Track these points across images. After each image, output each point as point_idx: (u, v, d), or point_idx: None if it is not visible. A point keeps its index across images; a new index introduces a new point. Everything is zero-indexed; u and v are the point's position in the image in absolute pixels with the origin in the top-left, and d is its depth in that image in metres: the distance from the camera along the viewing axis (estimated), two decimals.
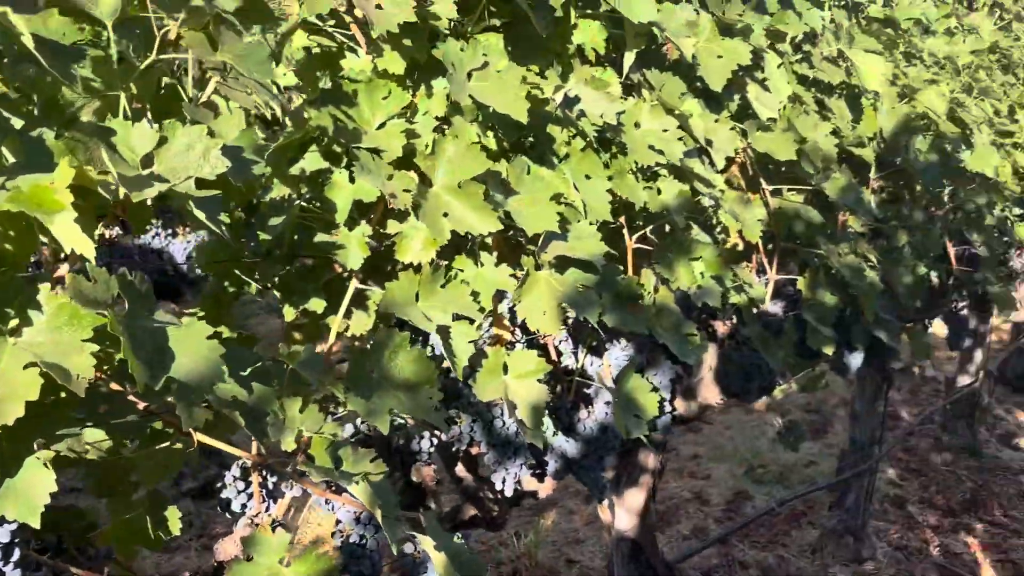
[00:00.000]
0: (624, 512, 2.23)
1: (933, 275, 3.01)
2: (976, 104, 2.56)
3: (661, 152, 1.33)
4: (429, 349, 1.22)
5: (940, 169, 2.32)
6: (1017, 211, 3.53)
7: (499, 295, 1.31)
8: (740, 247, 1.96)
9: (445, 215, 1.07)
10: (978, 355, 4.13)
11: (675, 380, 1.73)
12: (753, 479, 3.76)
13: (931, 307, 2.87)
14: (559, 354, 1.50)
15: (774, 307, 1.97)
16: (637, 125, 1.35)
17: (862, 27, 2.06)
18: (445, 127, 1.15)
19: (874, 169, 2.20)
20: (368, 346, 1.05)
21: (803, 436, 2.84)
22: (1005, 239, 3.32)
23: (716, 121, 1.56)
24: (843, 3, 2.07)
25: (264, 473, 1.10)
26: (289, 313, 1.22)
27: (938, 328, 3.72)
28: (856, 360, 2.20)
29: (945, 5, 2.63)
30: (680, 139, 1.37)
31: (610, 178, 1.32)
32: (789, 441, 2.74)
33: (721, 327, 1.94)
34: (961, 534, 3.37)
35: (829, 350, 1.88)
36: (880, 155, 2.19)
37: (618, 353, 1.52)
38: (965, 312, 3.04)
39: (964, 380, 4.17)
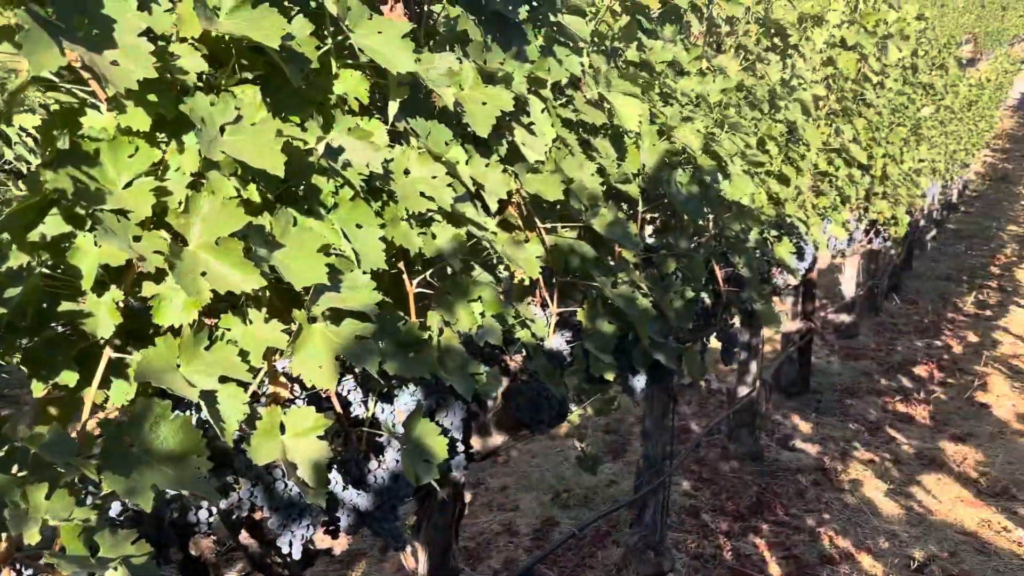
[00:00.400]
0: (426, 556, 2.21)
1: (705, 297, 3.24)
2: (728, 138, 2.79)
3: (432, 198, 1.35)
4: (198, 416, 1.16)
5: (701, 199, 2.51)
6: (775, 233, 3.88)
7: (276, 351, 1.27)
8: (527, 282, 2.03)
9: (204, 274, 1.03)
10: (753, 366, 4.47)
11: (469, 419, 1.75)
12: (560, 505, 3.86)
13: (705, 326, 3.08)
14: (348, 404, 1.48)
15: (561, 338, 2.04)
16: (407, 172, 1.37)
17: (620, 71, 2.19)
18: (203, 182, 1.11)
19: (642, 202, 2.35)
20: (125, 418, 0.99)
21: (601, 459, 2.95)
22: (767, 259, 3.64)
23: (487, 165, 1.60)
24: (602, 49, 2.20)
25: (19, 568, 1.01)
26: (38, 388, 1.12)
27: (717, 344, 4.00)
28: (640, 382, 2.32)
29: (696, 48, 2.85)
30: (450, 185, 1.40)
31: (383, 226, 1.32)
32: (588, 466, 2.83)
33: (512, 362, 1.99)
34: (750, 536, 3.61)
35: (610, 376, 1.97)
36: (646, 189, 2.34)
37: (407, 399, 1.52)
38: (735, 329, 3.28)
39: (743, 391, 4.50)
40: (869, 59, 4.74)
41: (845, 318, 7.19)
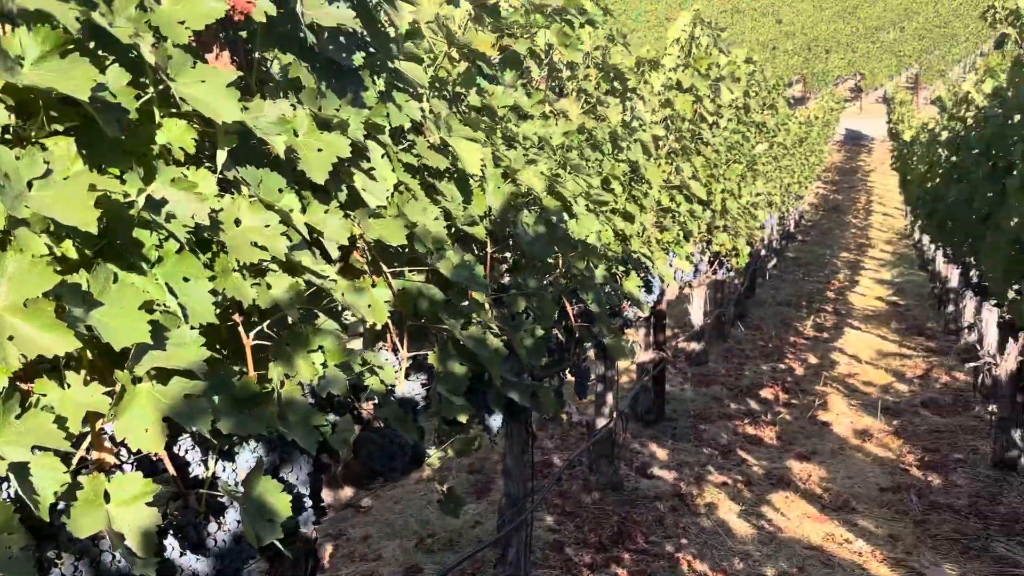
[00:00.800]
0: None
1: (558, 333, 3.31)
2: (572, 179, 2.87)
3: (265, 248, 1.33)
4: (8, 490, 1.08)
5: (547, 239, 2.57)
6: (623, 268, 4.02)
7: (100, 415, 1.21)
8: (379, 327, 2.01)
9: (11, 338, 0.97)
10: (610, 398, 4.58)
11: (317, 472, 1.70)
12: (424, 550, 3.81)
13: (560, 362, 3.14)
14: (186, 465, 1.41)
15: (415, 383, 2.03)
16: (238, 222, 1.33)
17: (462, 116, 2.23)
18: (10, 239, 1.04)
19: (490, 244, 2.38)
20: None
21: (462, 501, 2.93)
22: (616, 293, 3.76)
23: (326, 212, 1.59)
24: (443, 94, 2.23)
25: None
26: None
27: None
28: (496, 421, 2.33)
29: (539, 92, 2.94)
30: (285, 233, 1.38)
31: (213, 278, 1.28)
32: (449, 509, 2.81)
33: (365, 410, 1.96)
34: (612, 567, 3.67)
35: (463, 418, 1.97)
36: (494, 231, 2.37)
37: (248, 456, 1.46)
38: (588, 362, 3.36)
39: (602, 422, 4.60)
40: (704, 100, 5.02)
41: (695, 346, 7.50)
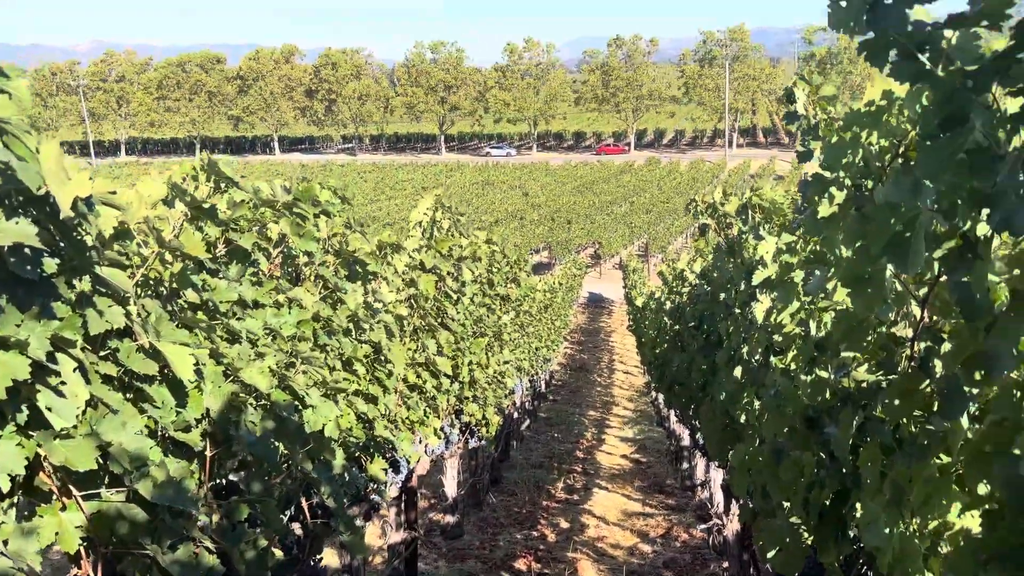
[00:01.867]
0: None
1: (296, 528, 3.13)
2: (305, 370, 2.80)
3: None
4: None
5: (277, 435, 2.46)
6: (367, 452, 3.93)
7: None
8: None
9: None
10: None
11: None
12: None
13: (294, 563, 2.95)
14: None
15: None
16: None
17: (179, 315, 2.13)
18: None
19: (210, 447, 2.23)
20: None
21: None
22: (361, 478, 3.64)
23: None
24: (158, 293, 2.12)
25: None
26: None
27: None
28: None
29: (271, 281, 2.88)
30: None
31: None
32: None
33: None
34: None
35: None
36: (214, 432, 2.23)
37: None
38: (323, 562, 3.19)
39: None
40: (447, 279, 5.19)
41: (450, 519, 7.41)
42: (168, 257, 1.96)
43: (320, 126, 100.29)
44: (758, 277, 3.45)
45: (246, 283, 2.54)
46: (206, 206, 2.04)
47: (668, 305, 8.97)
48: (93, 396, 1.66)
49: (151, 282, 2.10)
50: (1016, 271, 1.23)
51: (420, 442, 5.14)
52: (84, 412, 1.65)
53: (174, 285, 2.11)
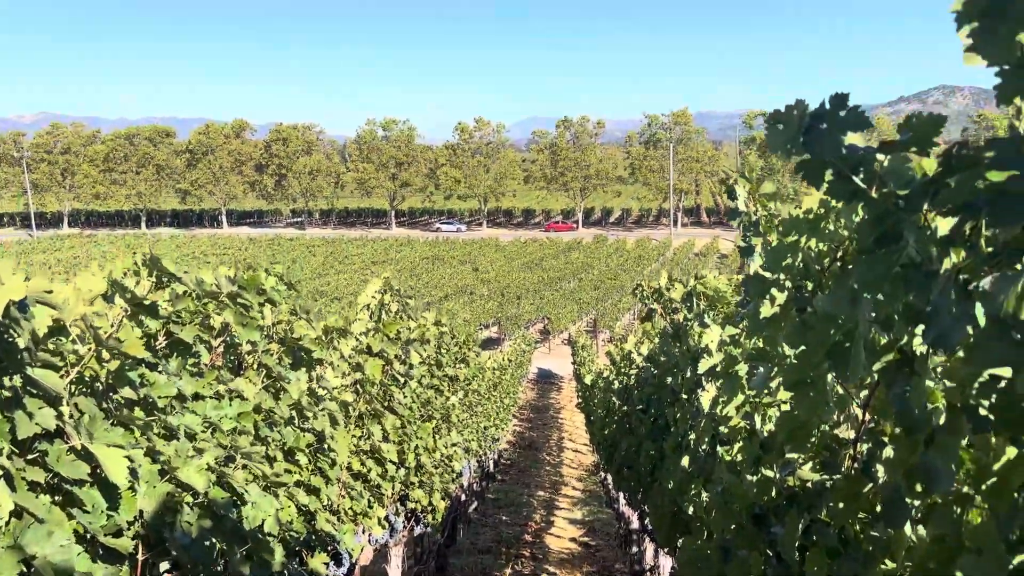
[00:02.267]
0: None
1: None
2: (244, 464, 2.73)
3: None
4: None
5: (214, 534, 2.37)
6: (308, 546, 3.81)
7: None
8: None
9: None
10: None
11: None
12: None
13: None
14: None
15: None
16: None
17: (115, 413, 2.06)
18: None
19: (142, 550, 2.14)
20: None
21: None
22: (304, 572, 3.52)
23: None
24: (93, 390, 2.05)
25: None
26: None
27: None
28: None
29: (212, 372, 2.82)
30: None
31: None
32: None
33: None
34: None
35: None
36: (146, 536, 2.14)
37: None
38: None
39: None
40: (394, 363, 5.14)
41: None
42: (105, 355, 1.91)
43: (270, 200, 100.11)
44: (704, 365, 3.48)
45: (186, 375, 2.48)
46: (147, 302, 2.00)
47: (616, 385, 8.99)
48: (18, 505, 1.58)
49: (86, 379, 2.03)
50: (952, 384, 1.26)
51: (364, 532, 5.01)
52: (8, 523, 1.57)
53: (110, 382, 2.05)
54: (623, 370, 7.93)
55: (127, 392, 2.16)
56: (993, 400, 1.04)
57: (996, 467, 1.08)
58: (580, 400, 21.49)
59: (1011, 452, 1.07)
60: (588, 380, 16.74)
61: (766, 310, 2.04)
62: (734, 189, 2.81)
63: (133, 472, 1.97)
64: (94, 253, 68.53)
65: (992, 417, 1.04)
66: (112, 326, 1.96)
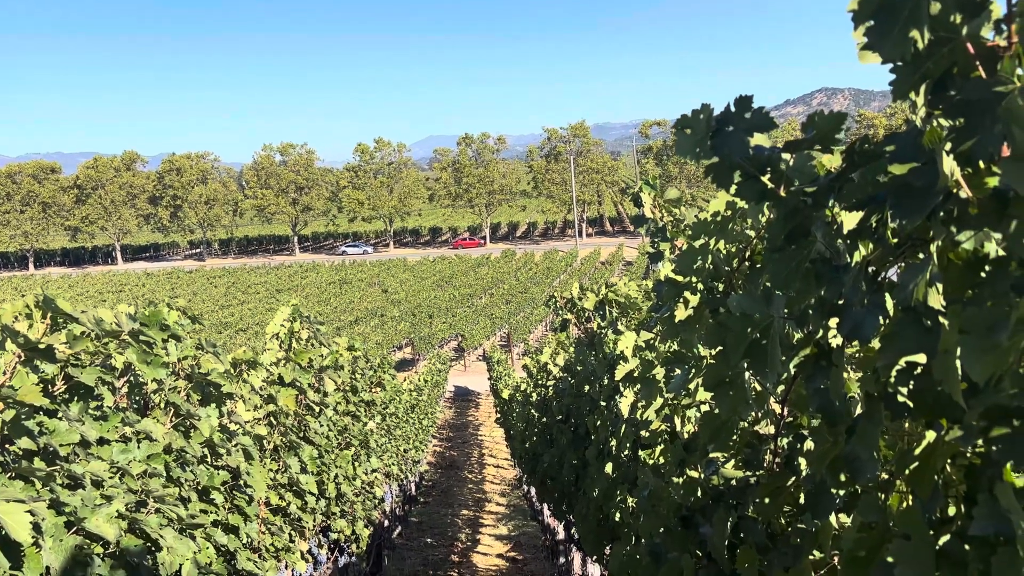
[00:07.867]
0: None
1: None
2: (157, 508, 2.60)
3: None
4: None
5: None
6: None
7: None
8: None
9: None
10: None
11: None
12: None
13: None
14: None
15: None
16: None
17: (11, 465, 1.93)
18: None
19: None
20: None
21: None
22: None
23: None
24: None
25: None
26: None
27: None
28: None
29: (117, 414, 2.69)
30: None
31: None
32: None
33: None
34: None
35: None
36: None
37: None
38: None
39: None
40: (308, 392, 5.02)
41: None
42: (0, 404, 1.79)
43: (166, 233, 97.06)
44: (620, 371, 3.51)
45: (89, 420, 2.35)
46: (42, 346, 1.89)
47: (535, 397, 9.01)
48: None
49: None
50: (868, 374, 1.29)
51: (287, 568, 4.86)
52: None
53: (6, 433, 1.93)
54: (540, 382, 7.96)
55: (25, 442, 2.03)
56: (911, 387, 1.07)
57: (917, 452, 1.11)
58: (499, 415, 21.49)
59: (930, 436, 1.11)
60: (506, 395, 16.76)
61: (680, 313, 2.07)
62: (639, 196, 2.84)
63: (36, 527, 1.86)
64: None
65: (911, 404, 1.07)
66: (4, 374, 1.84)
